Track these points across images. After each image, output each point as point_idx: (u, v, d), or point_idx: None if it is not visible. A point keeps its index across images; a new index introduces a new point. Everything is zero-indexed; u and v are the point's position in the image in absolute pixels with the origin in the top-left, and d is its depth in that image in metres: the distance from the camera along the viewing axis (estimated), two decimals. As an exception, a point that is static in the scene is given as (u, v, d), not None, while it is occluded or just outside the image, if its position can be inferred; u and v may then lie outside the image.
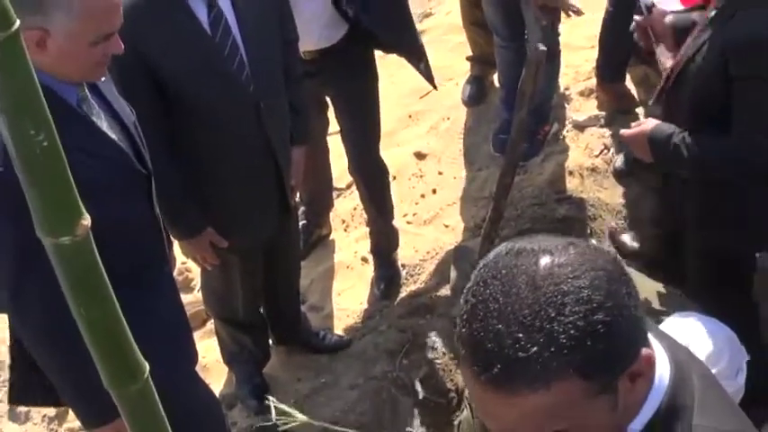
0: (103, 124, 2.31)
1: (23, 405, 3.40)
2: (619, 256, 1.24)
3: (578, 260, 1.16)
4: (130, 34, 2.42)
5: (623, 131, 3.09)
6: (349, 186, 4.66)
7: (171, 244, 2.88)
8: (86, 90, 2.28)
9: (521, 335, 1.12)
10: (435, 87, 4.10)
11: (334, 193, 4.63)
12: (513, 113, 3.49)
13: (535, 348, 1.11)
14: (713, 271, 3.23)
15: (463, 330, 1.18)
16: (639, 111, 4.51)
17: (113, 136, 2.33)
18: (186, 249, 3.21)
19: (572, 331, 1.11)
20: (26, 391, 2.62)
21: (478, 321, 1.16)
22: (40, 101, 1.04)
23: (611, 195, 4.15)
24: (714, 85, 2.77)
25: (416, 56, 3.83)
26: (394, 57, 5.60)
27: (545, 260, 1.16)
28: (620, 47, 4.47)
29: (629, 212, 4.13)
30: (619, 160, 4.30)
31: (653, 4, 3.23)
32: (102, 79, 2.34)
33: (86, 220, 1.16)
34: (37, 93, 1.03)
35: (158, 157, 2.64)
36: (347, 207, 4.62)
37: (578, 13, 4.23)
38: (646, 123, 3.01)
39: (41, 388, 2.57)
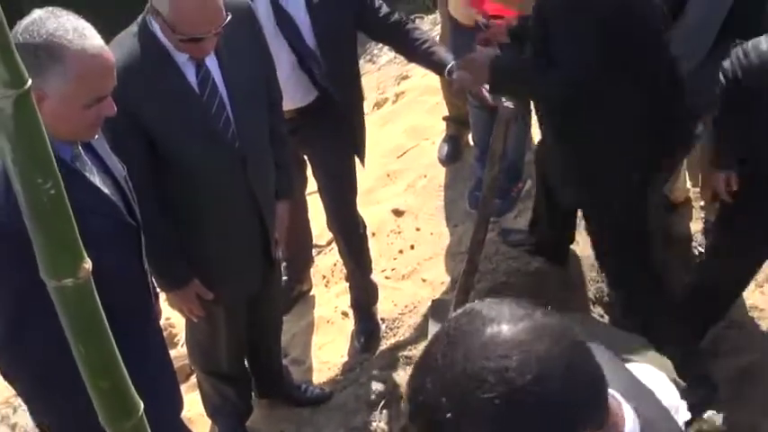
0: (96, 179, 2.40)
1: None
2: (576, 331, 1.24)
3: (523, 336, 1.17)
4: (122, 94, 2.51)
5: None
6: (329, 243, 4.76)
7: (157, 296, 2.96)
8: (79, 147, 2.38)
9: (443, 399, 1.15)
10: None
11: (315, 250, 4.74)
12: (486, 171, 3.61)
13: (449, 414, 1.14)
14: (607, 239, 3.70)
15: (410, 375, 1.25)
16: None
17: (106, 190, 2.42)
18: (173, 301, 3.28)
19: (488, 408, 1.12)
20: None
21: (419, 374, 1.21)
22: (48, 153, 1.14)
23: (583, 248, 4.26)
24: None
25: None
26: (373, 116, 5.80)
27: (489, 330, 1.17)
28: None
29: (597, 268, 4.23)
30: None
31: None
32: (96, 137, 2.44)
33: (88, 264, 1.26)
34: (45, 145, 1.14)
35: (147, 210, 2.74)
36: (327, 263, 4.72)
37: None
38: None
39: None
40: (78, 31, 2.19)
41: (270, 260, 3.37)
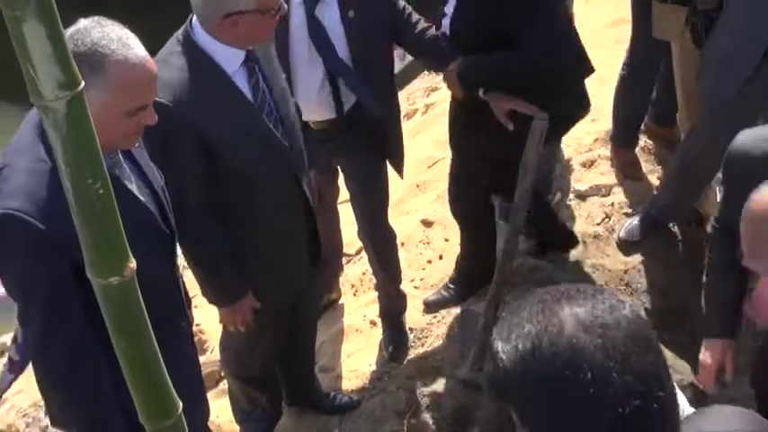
0: (134, 187, 2.44)
1: None
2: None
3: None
4: (180, 112, 2.66)
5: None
6: (358, 252, 4.79)
7: (190, 303, 2.99)
8: (119, 154, 2.41)
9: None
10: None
11: (344, 259, 4.76)
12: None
13: None
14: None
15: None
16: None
17: (142, 198, 2.46)
18: (225, 315, 3.29)
19: None
20: None
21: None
22: (98, 153, 1.17)
23: (613, 262, 4.27)
24: None
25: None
26: (403, 127, 5.82)
27: None
28: (634, 113, 4.66)
29: (629, 279, 4.24)
30: (623, 231, 4.42)
31: None
32: (137, 145, 2.47)
33: (133, 263, 1.29)
34: (96, 146, 1.17)
35: (203, 227, 2.89)
36: (356, 272, 4.74)
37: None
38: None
39: None
40: (122, 40, 2.22)
41: (316, 257, 3.41)
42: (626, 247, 4.39)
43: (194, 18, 2.91)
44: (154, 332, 2.54)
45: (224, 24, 2.83)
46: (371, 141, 3.76)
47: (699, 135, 4.03)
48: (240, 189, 3.02)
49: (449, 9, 3.64)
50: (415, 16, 3.67)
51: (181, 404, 1.47)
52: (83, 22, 2.23)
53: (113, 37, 2.21)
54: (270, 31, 3.00)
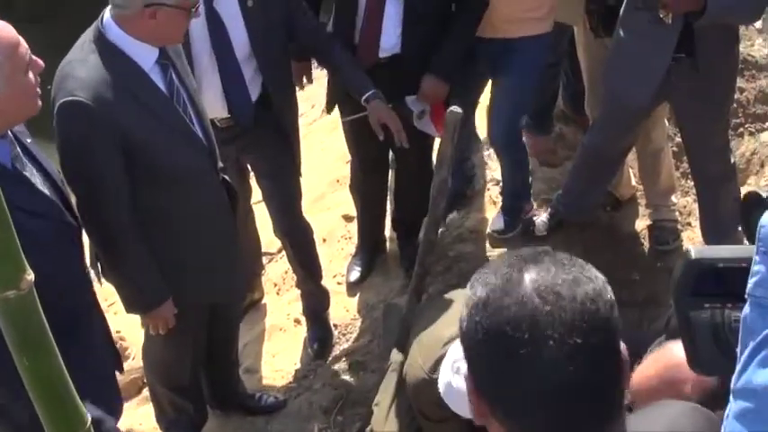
0: (37, 180, 2.40)
1: None
2: None
3: None
4: (101, 112, 2.67)
5: None
6: (280, 251, 4.75)
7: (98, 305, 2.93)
8: (18, 148, 2.38)
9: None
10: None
11: (266, 258, 4.72)
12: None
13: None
14: None
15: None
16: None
17: (46, 191, 2.42)
18: (148, 319, 3.22)
19: None
20: None
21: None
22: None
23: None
24: None
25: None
26: (322, 121, 5.79)
27: None
28: (545, 99, 4.69)
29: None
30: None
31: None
32: (29, 140, 2.43)
33: (30, 275, 1.24)
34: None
35: (123, 228, 2.86)
36: (278, 271, 4.70)
37: None
38: None
39: None
40: None
41: (237, 256, 3.38)
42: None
43: (106, 16, 2.86)
44: (64, 333, 2.50)
45: (143, 15, 2.80)
46: (278, 136, 3.71)
47: (600, 131, 4.06)
48: (161, 189, 2.98)
49: None
50: (309, 12, 3.66)
51: (90, 418, 1.43)
52: None
53: None
54: (181, 31, 2.99)
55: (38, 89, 2.39)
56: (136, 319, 3.67)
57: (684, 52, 3.59)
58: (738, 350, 1.02)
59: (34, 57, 2.38)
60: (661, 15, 3.47)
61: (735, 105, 5.19)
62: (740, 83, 5.31)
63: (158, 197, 3.00)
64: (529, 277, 1.21)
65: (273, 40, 3.57)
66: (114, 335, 4.10)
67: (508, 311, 1.19)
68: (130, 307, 3.20)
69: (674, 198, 4.41)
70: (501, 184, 4.53)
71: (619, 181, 4.51)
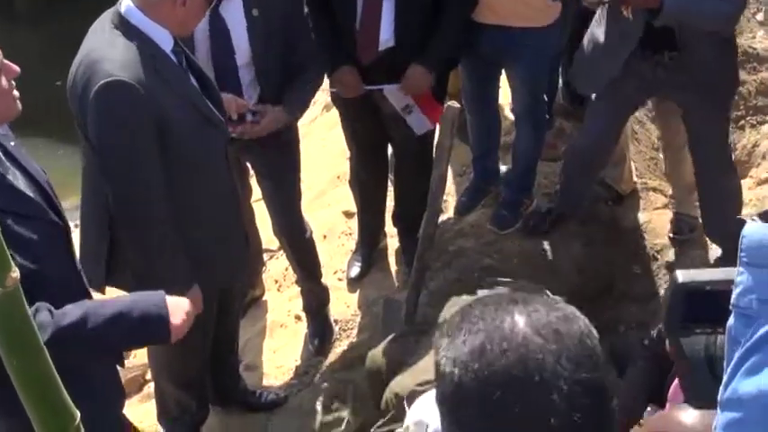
0: (20, 184, 2.40)
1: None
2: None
3: None
4: (140, 97, 2.73)
5: None
6: (280, 248, 4.74)
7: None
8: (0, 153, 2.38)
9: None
10: None
11: (266, 255, 4.72)
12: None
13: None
14: None
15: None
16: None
17: (30, 194, 2.41)
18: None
19: None
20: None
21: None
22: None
23: (534, 243, 4.29)
24: None
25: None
26: (323, 119, 5.80)
27: None
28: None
29: (549, 260, 4.27)
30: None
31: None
32: (12, 144, 2.43)
33: (15, 273, 1.24)
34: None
35: (156, 209, 2.90)
36: (279, 267, 4.71)
37: None
38: None
39: None
40: None
41: (246, 242, 3.41)
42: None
43: (126, 2, 2.89)
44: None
45: (175, 1, 2.86)
46: (279, 137, 3.71)
47: (585, 126, 4.13)
48: (182, 172, 2.99)
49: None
50: (310, 33, 3.71)
51: (78, 415, 1.43)
52: None
53: None
54: (199, 21, 3.09)
55: (15, 92, 2.33)
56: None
57: (668, 48, 3.64)
58: (725, 362, 1.01)
59: (7, 62, 2.31)
60: (622, 11, 3.54)
61: (736, 98, 5.19)
62: (741, 75, 5.30)
63: (180, 180, 3.00)
64: (520, 317, 1.17)
65: (273, 50, 3.60)
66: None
67: (512, 355, 1.14)
68: (161, 289, 3.15)
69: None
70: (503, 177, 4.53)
71: (620, 175, 4.51)
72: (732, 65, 3.86)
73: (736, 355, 0.97)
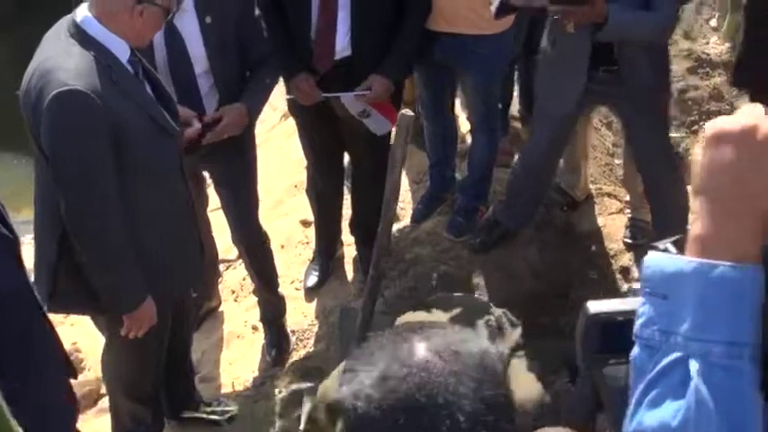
0: None
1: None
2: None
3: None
4: (98, 106, 2.72)
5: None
6: (238, 257, 4.72)
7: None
8: None
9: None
10: None
11: (223, 265, 4.70)
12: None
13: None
14: None
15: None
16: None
17: None
18: (132, 318, 3.12)
19: None
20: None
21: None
22: None
23: (488, 253, 4.30)
24: None
25: None
26: (281, 127, 5.78)
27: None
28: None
29: (505, 266, 4.28)
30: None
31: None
32: None
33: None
34: None
35: (111, 221, 2.88)
36: (236, 278, 4.68)
37: None
38: None
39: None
40: None
41: (201, 252, 3.41)
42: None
43: (82, 12, 2.90)
44: (9, 344, 2.45)
45: (132, 11, 2.87)
46: (235, 146, 3.71)
47: (531, 138, 4.20)
48: (137, 182, 2.98)
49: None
50: (264, 36, 3.74)
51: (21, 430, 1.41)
52: None
53: None
54: (155, 32, 3.12)
55: None
56: (92, 329, 3.64)
57: (607, 64, 3.71)
58: (630, 392, 1.01)
59: None
60: (566, 25, 3.59)
61: (690, 103, 5.25)
62: (695, 81, 5.38)
63: (135, 190, 2.99)
64: (422, 344, 1.19)
65: (229, 57, 3.62)
66: (70, 347, 4.10)
67: (412, 380, 1.15)
68: (117, 307, 3.11)
69: None
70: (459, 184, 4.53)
71: (576, 182, 4.54)
72: (666, 73, 3.97)
73: (640, 386, 0.98)
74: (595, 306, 1.12)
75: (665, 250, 1.00)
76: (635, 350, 0.99)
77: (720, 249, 0.94)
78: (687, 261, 0.95)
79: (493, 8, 3.63)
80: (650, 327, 0.97)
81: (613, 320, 1.10)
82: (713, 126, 0.97)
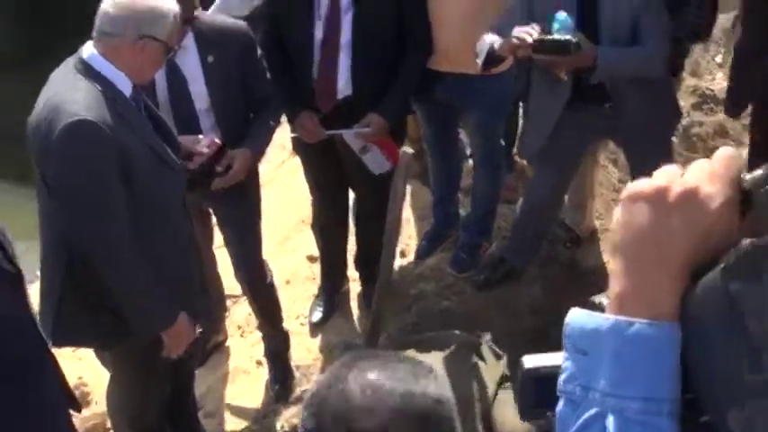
0: None
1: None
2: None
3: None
4: (109, 142, 2.77)
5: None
6: (245, 293, 4.75)
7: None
8: None
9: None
10: None
11: (230, 300, 4.73)
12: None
13: None
14: None
15: None
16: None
17: None
18: (170, 335, 3.15)
19: None
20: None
21: None
22: None
23: (492, 288, 4.31)
24: None
25: None
26: (289, 164, 5.82)
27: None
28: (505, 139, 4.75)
29: (508, 302, 4.29)
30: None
31: None
32: None
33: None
34: None
35: (131, 251, 2.91)
36: (243, 313, 4.71)
37: None
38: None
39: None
40: None
41: (205, 287, 3.47)
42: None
43: (88, 50, 2.96)
44: (11, 378, 2.49)
45: (134, 46, 2.93)
46: (240, 187, 3.74)
47: (533, 178, 4.25)
48: (144, 214, 3.00)
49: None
50: (266, 77, 3.80)
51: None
52: None
53: None
54: (157, 69, 3.16)
55: None
56: (98, 364, 3.67)
57: (600, 100, 3.73)
58: None
59: None
60: (558, 73, 3.64)
61: (695, 139, 5.27)
62: (699, 117, 5.39)
63: (141, 223, 3.00)
64: (353, 374, 1.28)
65: (231, 96, 3.69)
66: (76, 381, 4.13)
67: (329, 406, 1.27)
68: (152, 327, 3.12)
69: None
70: (463, 220, 4.56)
71: (581, 218, 4.55)
72: (669, 101, 3.95)
73: None
74: (530, 361, 1.14)
75: (599, 304, 1.02)
76: (560, 404, 1.01)
77: (637, 307, 0.95)
78: (604, 318, 0.97)
79: (479, 60, 3.67)
80: (572, 382, 0.99)
81: (549, 374, 1.12)
82: (630, 187, 1.00)
